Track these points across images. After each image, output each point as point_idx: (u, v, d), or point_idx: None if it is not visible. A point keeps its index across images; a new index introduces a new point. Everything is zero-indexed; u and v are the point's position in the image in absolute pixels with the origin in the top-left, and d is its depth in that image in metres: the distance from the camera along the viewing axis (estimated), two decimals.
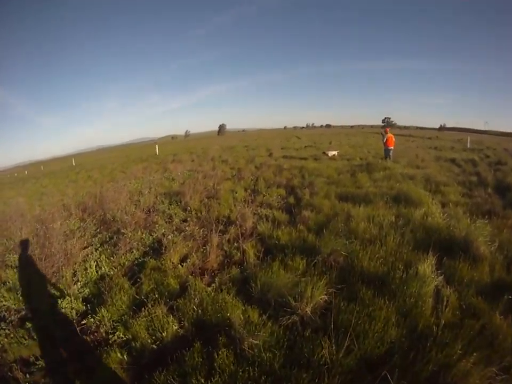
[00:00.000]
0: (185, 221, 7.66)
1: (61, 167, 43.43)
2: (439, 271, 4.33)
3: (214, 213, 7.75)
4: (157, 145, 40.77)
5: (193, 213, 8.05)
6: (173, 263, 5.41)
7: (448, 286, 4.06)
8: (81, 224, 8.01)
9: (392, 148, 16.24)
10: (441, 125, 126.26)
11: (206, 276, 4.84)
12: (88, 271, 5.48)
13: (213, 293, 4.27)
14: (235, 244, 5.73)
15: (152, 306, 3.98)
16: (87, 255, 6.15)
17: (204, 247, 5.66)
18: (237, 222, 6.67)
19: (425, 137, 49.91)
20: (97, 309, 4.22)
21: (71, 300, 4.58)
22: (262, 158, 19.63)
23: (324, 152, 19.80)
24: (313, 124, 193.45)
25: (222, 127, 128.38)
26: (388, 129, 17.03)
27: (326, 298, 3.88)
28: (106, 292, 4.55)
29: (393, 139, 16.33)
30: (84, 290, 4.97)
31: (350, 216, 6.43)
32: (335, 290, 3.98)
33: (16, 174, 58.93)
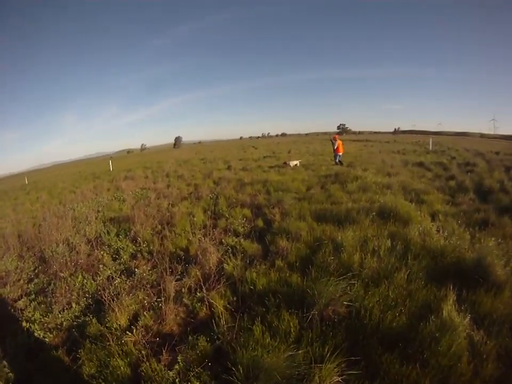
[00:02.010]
0: (135, 256, 6.39)
1: (14, 186, 41.46)
2: (462, 310, 3.56)
3: (169, 245, 6.49)
4: (110, 161, 39.17)
5: (144, 245, 6.69)
6: (119, 325, 4.14)
7: (477, 329, 3.34)
8: (18, 263, 6.83)
9: (341, 153, 17.60)
10: (395, 129, 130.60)
11: (164, 354, 3.47)
12: (19, 337, 4.26)
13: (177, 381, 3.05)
14: (198, 294, 4.40)
15: None
16: (21, 310, 5.02)
17: (159, 299, 4.33)
18: (198, 258, 5.43)
19: (383, 141, 50.74)
20: None
21: None
22: (220, 171, 18.31)
23: (285, 162, 18.91)
24: (268, 133, 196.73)
25: (177, 140, 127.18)
26: (336, 136, 18.42)
27: (340, 380, 2.75)
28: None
29: (342, 145, 17.76)
30: (10, 374, 3.64)
31: (336, 243, 5.27)
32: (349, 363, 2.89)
33: None
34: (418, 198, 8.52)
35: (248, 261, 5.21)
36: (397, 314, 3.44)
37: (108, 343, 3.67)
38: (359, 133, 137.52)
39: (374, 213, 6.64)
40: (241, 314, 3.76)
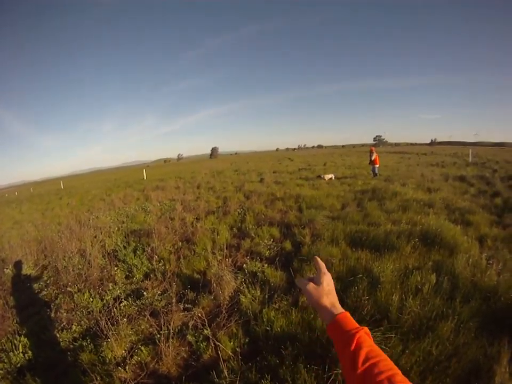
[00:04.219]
0: (148, 275, 5.91)
1: (49, 190, 43.40)
2: None
3: (185, 267, 5.98)
4: (144, 170, 40.01)
5: (159, 264, 6.18)
6: (114, 358, 3.67)
7: None
8: (33, 271, 6.93)
9: (377, 165, 17.81)
10: (432, 140, 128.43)
11: None
12: (14, 352, 4.03)
13: None
14: (205, 331, 3.75)
15: None
16: (24, 321, 4.91)
17: (161, 332, 3.72)
18: (213, 286, 4.82)
19: (420, 153, 49.61)
20: None
21: None
22: (252, 184, 17.65)
23: (319, 176, 18.28)
24: (305, 144, 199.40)
25: (214, 150, 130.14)
26: (373, 148, 18.70)
27: None
28: None
29: (378, 158, 18.04)
30: None
31: (372, 277, 4.48)
32: None
33: (6, 195, 59.38)
34: (463, 218, 7.67)
35: (268, 294, 4.47)
36: (439, 382, 2.70)
37: (97, 377, 3.24)
38: (396, 144, 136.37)
39: (416, 239, 5.82)
40: (249, 364, 3.15)
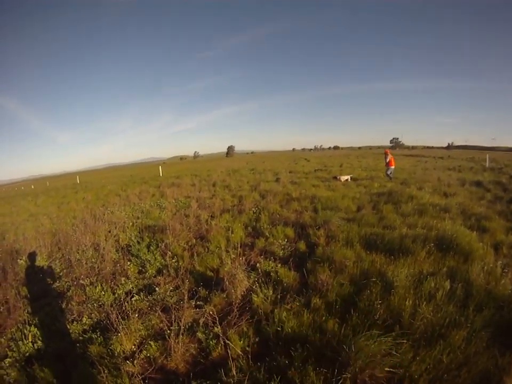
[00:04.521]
0: (160, 271, 5.93)
1: (65, 184, 43.96)
2: None
3: (198, 264, 5.98)
4: (160, 167, 40.19)
5: (172, 261, 6.17)
6: (123, 352, 3.71)
7: None
8: (46, 263, 6.93)
9: (393, 167, 17.71)
10: (449, 144, 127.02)
11: None
12: (24, 341, 4.11)
13: None
14: (215, 329, 3.75)
15: None
16: (35, 312, 4.99)
17: (171, 328, 3.73)
18: (225, 284, 4.81)
19: (437, 156, 48.83)
20: None
21: None
22: (268, 183, 17.63)
23: (334, 177, 18.10)
24: (321, 145, 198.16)
25: (230, 149, 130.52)
26: (388, 150, 18.77)
27: None
28: None
29: (394, 160, 17.86)
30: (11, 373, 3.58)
31: (386, 281, 4.41)
32: None
33: (22, 188, 61.75)
34: (479, 224, 7.49)
35: (280, 294, 4.42)
36: None
37: (105, 370, 3.23)
38: (412, 147, 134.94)
39: (432, 244, 5.71)
40: (258, 364, 3.14)
